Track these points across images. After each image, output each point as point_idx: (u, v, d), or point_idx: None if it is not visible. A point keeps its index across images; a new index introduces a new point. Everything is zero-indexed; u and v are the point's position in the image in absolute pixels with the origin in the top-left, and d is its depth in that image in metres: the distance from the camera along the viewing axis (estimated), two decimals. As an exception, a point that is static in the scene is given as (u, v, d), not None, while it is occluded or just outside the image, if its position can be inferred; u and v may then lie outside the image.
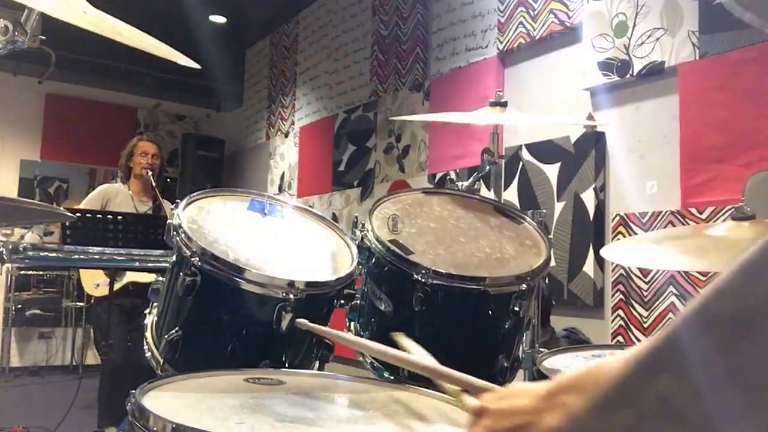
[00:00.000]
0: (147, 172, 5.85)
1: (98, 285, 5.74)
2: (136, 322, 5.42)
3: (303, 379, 1.79)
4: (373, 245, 2.06)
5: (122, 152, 6.09)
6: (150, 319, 2.09)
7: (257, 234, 2.13)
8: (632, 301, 4.42)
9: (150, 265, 2.64)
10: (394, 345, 1.83)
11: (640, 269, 4.38)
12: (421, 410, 1.61)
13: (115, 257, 2.85)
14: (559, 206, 4.95)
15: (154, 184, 5.84)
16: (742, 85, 3.96)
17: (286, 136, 9.16)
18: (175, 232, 1.92)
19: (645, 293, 4.35)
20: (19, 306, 9.48)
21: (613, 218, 4.63)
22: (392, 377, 2.02)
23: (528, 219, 2.37)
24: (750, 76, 3.92)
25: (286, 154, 9.13)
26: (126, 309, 5.54)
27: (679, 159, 4.24)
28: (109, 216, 4.91)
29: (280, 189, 9.05)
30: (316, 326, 1.82)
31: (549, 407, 0.89)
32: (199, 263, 1.85)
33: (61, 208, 3.09)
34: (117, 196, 5.93)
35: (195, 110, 11.42)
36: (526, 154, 5.28)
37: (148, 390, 1.51)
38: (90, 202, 5.89)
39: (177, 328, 1.90)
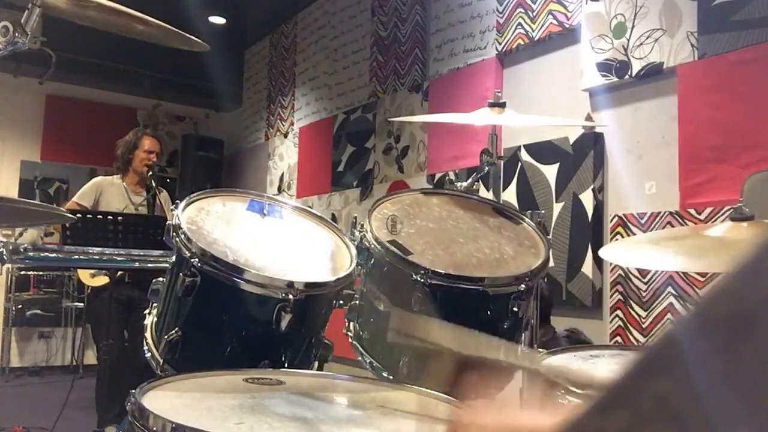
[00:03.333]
0: (147, 172, 5.88)
1: (94, 274, 5.75)
2: (134, 318, 5.43)
3: (302, 379, 1.79)
4: (372, 246, 2.06)
5: (121, 141, 6.10)
6: (150, 320, 2.09)
7: (257, 234, 2.13)
8: (631, 301, 4.42)
9: (150, 265, 2.63)
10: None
11: (638, 270, 4.38)
12: (419, 411, 1.61)
13: (115, 257, 2.85)
14: (557, 207, 4.95)
15: (155, 184, 5.86)
16: (740, 85, 3.96)
17: (286, 136, 9.16)
18: (174, 233, 1.93)
19: (643, 294, 4.35)
20: (19, 306, 9.48)
21: (612, 219, 4.63)
22: (391, 377, 2.02)
23: (527, 219, 2.37)
24: (749, 77, 3.92)
25: (285, 155, 9.13)
26: (123, 302, 5.54)
27: (678, 160, 4.25)
28: (110, 216, 4.92)
29: (280, 189, 9.05)
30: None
31: None
32: (199, 264, 1.85)
33: (63, 209, 3.09)
34: (111, 188, 5.94)
35: (194, 111, 11.42)
36: (524, 155, 5.28)
37: (148, 390, 1.51)
38: (83, 195, 5.94)
39: (177, 329, 1.90)
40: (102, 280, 5.69)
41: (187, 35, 2.03)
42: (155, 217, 5.70)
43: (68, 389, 5.48)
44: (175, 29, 2.00)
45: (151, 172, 5.89)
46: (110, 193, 5.91)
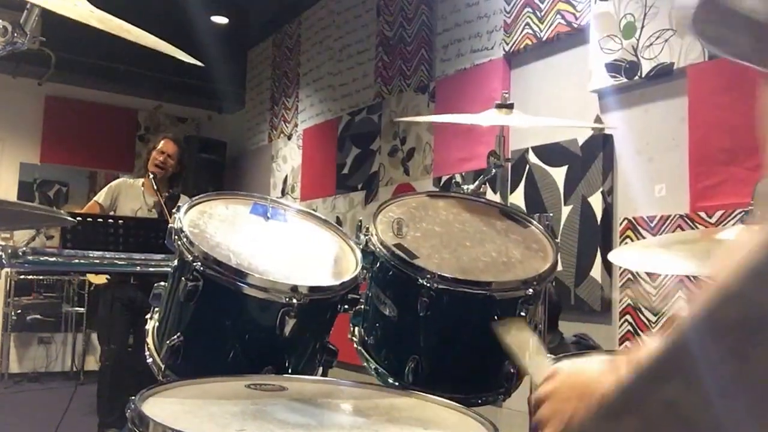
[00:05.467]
0: (149, 174, 5.91)
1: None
2: (140, 321, 5.44)
3: (306, 385, 1.79)
4: (378, 249, 2.06)
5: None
6: (151, 325, 2.09)
7: (260, 238, 2.13)
8: (640, 306, 4.41)
9: (151, 269, 2.63)
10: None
11: (648, 274, 4.37)
12: (425, 417, 1.61)
13: (116, 261, 2.85)
14: (566, 210, 4.95)
15: (155, 187, 5.87)
16: (751, 86, 3.94)
17: (289, 138, 9.16)
18: (176, 237, 1.93)
19: (653, 298, 4.34)
20: (19, 311, 9.49)
21: (621, 222, 4.62)
22: (397, 383, 2.02)
23: (534, 223, 2.37)
24: (760, 78, 3.91)
25: (289, 157, 9.12)
26: (126, 303, 5.55)
27: (688, 162, 4.24)
28: (110, 220, 4.93)
29: (283, 192, 9.05)
30: None
31: None
32: (201, 268, 1.85)
33: (62, 212, 3.09)
34: (129, 189, 6.03)
35: (196, 112, 11.42)
36: (532, 157, 5.28)
37: (148, 396, 1.51)
38: (101, 195, 6.06)
39: (179, 334, 1.90)
40: (104, 277, 5.72)
41: (183, 54, 2.03)
42: (156, 220, 5.71)
43: (68, 395, 5.47)
44: (171, 46, 1.99)
45: (152, 174, 5.91)
46: (127, 194, 5.98)
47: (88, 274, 6.04)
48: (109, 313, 5.49)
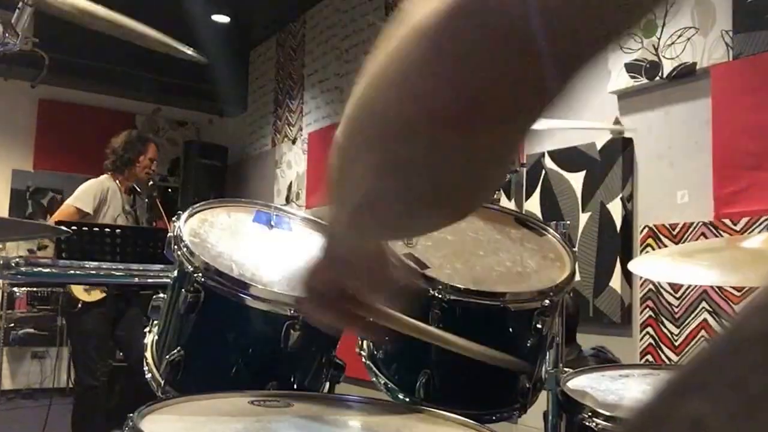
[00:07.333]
0: (149, 181, 5.90)
1: (88, 289, 5.68)
2: (120, 328, 5.42)
3: (312, 401, 1.79)
4: (387, 259, 2.06)
5: (120, 140, 6.08)
6: (150, 338, 2.09)
7: (264, 247, 2.13)
8: (662, 317, 4.40)
9: (149, 280, 2.64)
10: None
11: (670, 284, 4.36)
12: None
13: (113, 272, 2.85)
14: (584, 217, 4.94)
15: (155, 194, 5.87)
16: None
17: (294, 142, 9.16)
18: (176, 246, 1.93)
19: (676, 309, 4.33)
20: (11, 325, 9.47)
21: (642, 230, 4.62)
22: (407, 399, 2.01)
23: (551, 231, 2.36)
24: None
25: (293, 162, 9.12)
26: (111, 316, 5.50)
27: (712, 166, 4.23)
28: (107, 229, 4.93)
29: (288, 199, 9.05)
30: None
31: None
32: (202, 279, 1.85)
33: (55, 224, 3.10)
34: (107, 193, 5.90)
35: (197, 116, 11.42)
36: (549, 162, 5.27)
37: (147, 413, 1.50)
38: (83, 199, 5.82)
39: (179, 348, 1.90)
40: (97, 294, 5.64)
41: (185, 49, 2.04)
42: (156, 229, 5.71)
43: (65, 412, 5.48)
44: (173, 43, 2.00)
45: (151, 182, 5.90)
46: (111, 201, 5.90)
47: (77, 293, 5.78)
48: (104, 328, 5.46)
